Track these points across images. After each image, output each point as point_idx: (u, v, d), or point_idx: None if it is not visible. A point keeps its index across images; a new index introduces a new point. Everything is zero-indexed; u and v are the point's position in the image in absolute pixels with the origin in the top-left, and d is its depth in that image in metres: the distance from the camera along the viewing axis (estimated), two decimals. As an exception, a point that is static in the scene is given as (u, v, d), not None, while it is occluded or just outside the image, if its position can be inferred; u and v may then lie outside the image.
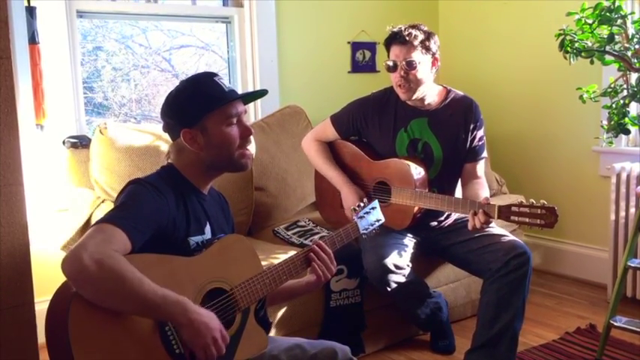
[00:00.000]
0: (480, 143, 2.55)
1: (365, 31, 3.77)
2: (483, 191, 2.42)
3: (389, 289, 2.41)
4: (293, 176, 3.06)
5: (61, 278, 1.34)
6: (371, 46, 3.82)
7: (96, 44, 3.29)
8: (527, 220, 2.10)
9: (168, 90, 1.65)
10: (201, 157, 1.59)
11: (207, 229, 1.61)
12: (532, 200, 2.10)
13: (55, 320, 1.33)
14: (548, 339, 2.76)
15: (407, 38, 2.40)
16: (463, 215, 2.40)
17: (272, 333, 2.19)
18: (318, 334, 2.47)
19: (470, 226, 2.22)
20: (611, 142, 2.41)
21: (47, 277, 1.78)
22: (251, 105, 3.44)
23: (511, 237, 2.42)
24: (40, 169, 2.71)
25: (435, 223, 2.58)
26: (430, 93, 2.52)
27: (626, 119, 2.29)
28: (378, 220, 1.90)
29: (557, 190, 3.56)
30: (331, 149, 2.71)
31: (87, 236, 1.34)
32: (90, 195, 2.65)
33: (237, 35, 3.44)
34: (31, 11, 2.63)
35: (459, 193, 2.59)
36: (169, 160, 1.65)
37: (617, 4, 2.20)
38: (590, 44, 2.27)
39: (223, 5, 3.46)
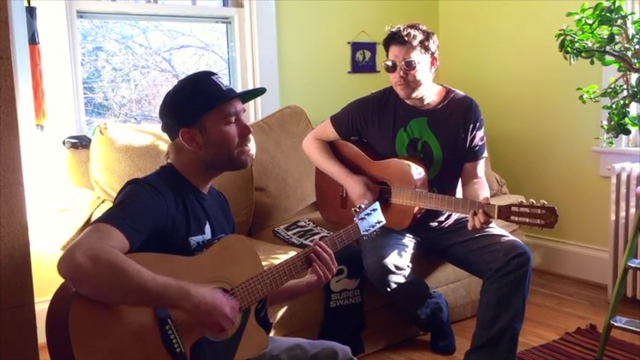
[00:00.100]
0: (481, 143, 2.55)
1: (365, 31, 3.77)
2: (483, 191, 2.42)
3: (389, 290, 2.41)
4: (293, 176, 3.06)
5: (62, 278, 1.34)
6: (371, 47, 3.82)
7: (96, 44, 3.29)
8: (527, 220, 2.09)
9: (168, 90, 1.65)
10: (201, 157, 1.59)
11: (207, 228, 1.61)
12: (532, 200, 2.10)
13: (56, 320, 1.33)
14: (548, 339, 2.76)
15: (406, 38, 2.40)
16: (463, 215, 2.40)
17: (272, 333, 2.19)
18: (318, 335, 2.47)
19: (470, 226, 2.22)
20: (611, 143, 2.41)
21: (47, 277, 1.77)
22: (251, 105, 3.45)
23: (511, 237, 2.42)
24: (40, 169, 2.71)
25: (435, 224, 2.58)
26: (429, 93, 2.52)
27: (626, 119, 2.29)
28: (379, 222, 1.90)
29: (558, 191, 3.56)
30: (332, 150, 2.70)
31: (82, 236, 1.34)
32: (90, 195, 2.65)
33: (237, 35, 3.44)
34: (31, 11, 2.63)
35: (459, 193, 2.59)
36: (169, 160, 1.65)
37: (617, 4, 2.20)
38: (590, 44, 2.27)
39: (223, 5, 3.46)
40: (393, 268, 2.38)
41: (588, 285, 3.46)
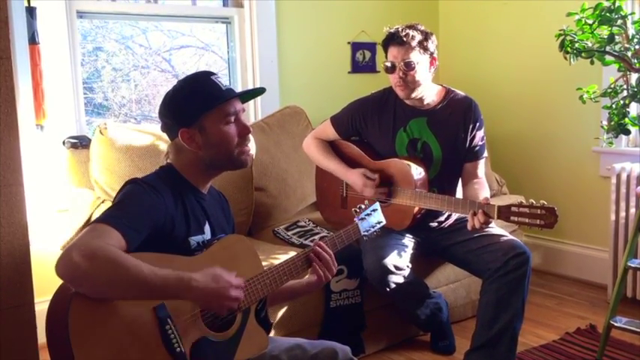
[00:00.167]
0: (481, 143, 2.55)
1: (365, 31, 3.77)
2: (483, 191, 2.42)
3: (388, 290, 2.41)
4: (293, 177, 3.06)
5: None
6: (371, 47, 3.82)
7: (96, 44, 3.29)
8: (526, 220, 2.09)
9: (167, 90, 1.65)
10: (200, 157, 1.59)
11: (207, 228, 1.61)
12: (532, 200, 2.10)
13: (56, 320, 1.33)
14: (548, 339, 2.76)
15: (404, 39, 2.39)
16: (463, 215, 2.40)
17: (272, 333, 2.19)
18: (318, 335, 2.47)
19: (469, 226, 2.21)
20: (611, 143, 2.41)
21: (47, 277, 1.77)
22: (251, 105, 3.45)
23: (510, 237, 2.42)
24: (40, 169, 2.71)
25: (435, 224, 2.58)
26: (429, 93, 2.52)
27: (626, 119, 2.29)
28: (379, 222, 1.90)
29: (558, 191, 3.57)
30: (332, 150, 2.70)
31: (79, 236, 1.34)
32: (90, 195, 2.65)
33: (237, 35, 3.44)
34: (31, 11, 2.63)
35: (459, 193, 2.59)
36: (168, 160, 1.65)
37: (617, 4, 2.20)
38: (590, 44, 2.27)
39: (223, 5, 3.46)
40: (392, 269, 2.38)
41: (588, 285, 3.46)
